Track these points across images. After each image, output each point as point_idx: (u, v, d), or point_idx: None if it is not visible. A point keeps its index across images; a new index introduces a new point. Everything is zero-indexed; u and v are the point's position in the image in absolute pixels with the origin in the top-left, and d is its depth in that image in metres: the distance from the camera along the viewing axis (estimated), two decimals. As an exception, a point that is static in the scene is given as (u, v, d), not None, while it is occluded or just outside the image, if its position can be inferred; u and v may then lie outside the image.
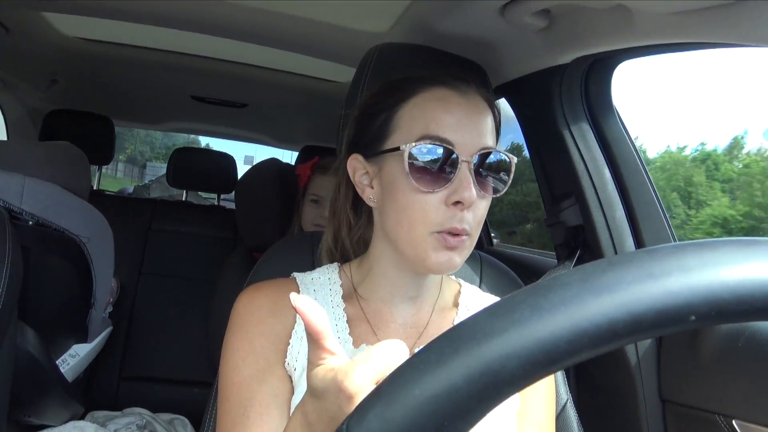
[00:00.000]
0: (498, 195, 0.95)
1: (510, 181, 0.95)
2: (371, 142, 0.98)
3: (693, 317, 0.33)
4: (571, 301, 0.33)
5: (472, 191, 0.88)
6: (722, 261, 0.33)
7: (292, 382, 0.93)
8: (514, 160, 0.95)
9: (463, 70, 1.01)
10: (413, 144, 0.90)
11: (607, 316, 0.33)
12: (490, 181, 0.93)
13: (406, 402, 0.34)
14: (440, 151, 0.89)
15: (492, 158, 0.92)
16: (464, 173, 0.89)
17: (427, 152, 0.90)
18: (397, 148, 0.91)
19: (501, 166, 0.94)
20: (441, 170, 0.89)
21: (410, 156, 0.89)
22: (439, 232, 0.89)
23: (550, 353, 0.33)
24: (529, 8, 1.20)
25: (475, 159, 0.90)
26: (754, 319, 0.34)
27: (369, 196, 0.99)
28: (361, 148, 1.00)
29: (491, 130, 0.94)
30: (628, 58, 1.35)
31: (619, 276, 0.34)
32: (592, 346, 0.33)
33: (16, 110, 3.13)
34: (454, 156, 0.89)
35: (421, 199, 0.90)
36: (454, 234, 0.89)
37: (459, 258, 0.91)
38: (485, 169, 0.92)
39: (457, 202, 0.88)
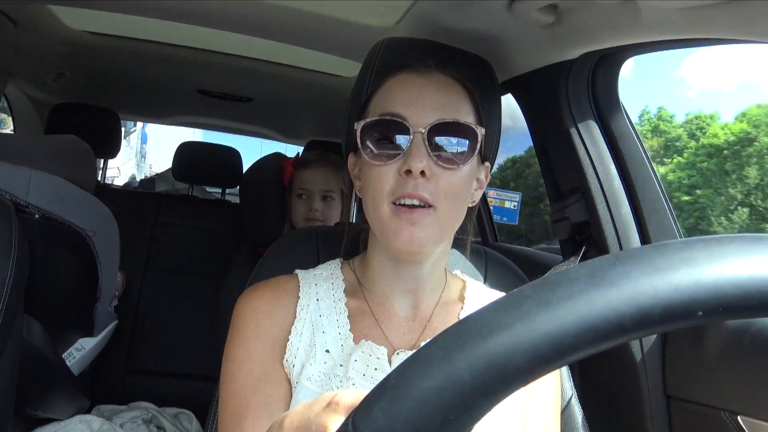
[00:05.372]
0: (464, 167, 0.94)
1: (476, 152, 0.95)
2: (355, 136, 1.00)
3: (700, 312, 0.33)
4: (578, 296, 0.33)
5: (421, 160, 0.88)
6: (730, 256, 0.33)
7: (290, 381, 0.94)
8: (481, 130, 0.95)
9: (425, 55, 1.02)
10: (364, 122, 0.94)
11: (614, 311, 0.33)
12: (455, 154, 0.93)
13: (412, 396, 0.34)
14: (391, 124, 0.92)
15: (454, 130, 0.93)
16: (415, 143, 0.90)
17: (379, 127, 0.93)
18: (356, 130, 0.95)
19: (465, 138, 0.94)
20: (393, 143, 0.92)
21: (363, 133, 0.93)
22: (395, 204, 0.90)
23: (556, 347, 0.33)
24: (536, 3, 1.20)
25: (431, 132, 0.90)
26: (761, 315, 0.34)
27: (359, 187, 1.02)
28: (353, 145, 1.02)
29: (459, 107, 0.95)
30: (635, 54, 1.34)
31: (627, 271, 0.34)
32: (599, 340, 0.33)
33: (22, 103, 3.13)
34: (406, 128, 0.91)
35: (377, 172, 0.92)
36: (409, 206, 0.89)
37: (422, 233, 0.90)
38: (447, 141, 0.92)
39: (408, 171, 0.89)
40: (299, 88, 2.81)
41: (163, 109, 3.81)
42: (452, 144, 0.93)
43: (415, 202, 0.90)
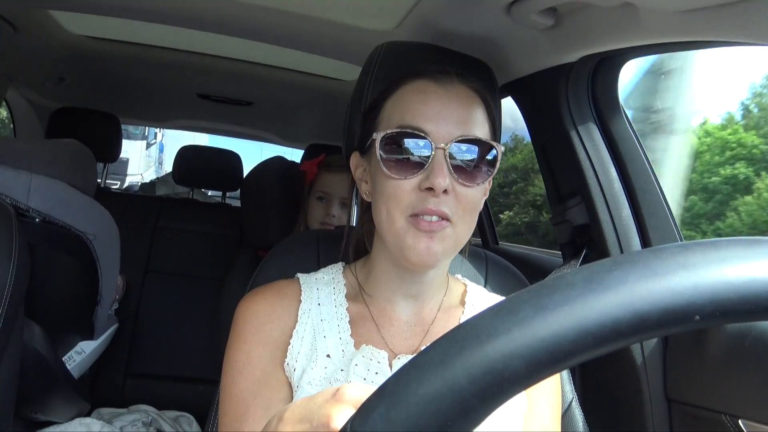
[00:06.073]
0: (483, 184, 0.93)
1: (495, 170, 0.95)
2: (364, 138, 0.99)
3: (698, 317, 0.32)
4: (575, 301, 0.33)
5: (444, 178, 0.88)
6: (727, 260, 0.33)
7: (290, 385, 0.93)
8: (500, 148, 0.94)
9: (454, 63, 1.01)
10: (384, 133, 0.91)
11: (611, 316, 0.32)
12: (475, 170, 0.92)
13: (410, 402, 0.34)
14: (413, 139, 0.90)
15: (474, 147, 0.92)
16: (438, 160, 0.89)
17: (400, 140, 0.91)
18: (374, 140, 0.93)
19: (485, 155, 0.93)
20: (413, 156, 0.90)
21: (382, 144, 0.91)
22: (413, 216, 0.89)
23: (553, 353, 0.33)
24: (535, 6, 1.20)
25: (451, 147, 0.89)
26: (758, 319, 0.34)
27: (365, 191, 1.01)
28: (359, 145, 1.02)
29: (478, 121, 0.94)
30: (635, 57, 1.34)
31: (623, 275, 0.33)
32: (596, 345, 0.33)
33: (23, 108, 3.13)
34: (427, 144, 0.89)
35: (394, 185, 0.90)
36: (429, 220, 0.89)
37: (439, 246, 0.90)
38: (468, 158, 0.91)
39: (429, 189, 0.88)
40: (299, 92, 2.81)
41: (163, 112, 3.82)
42: (472, 161, 0.92)
43: (434, 218, 0.89)
